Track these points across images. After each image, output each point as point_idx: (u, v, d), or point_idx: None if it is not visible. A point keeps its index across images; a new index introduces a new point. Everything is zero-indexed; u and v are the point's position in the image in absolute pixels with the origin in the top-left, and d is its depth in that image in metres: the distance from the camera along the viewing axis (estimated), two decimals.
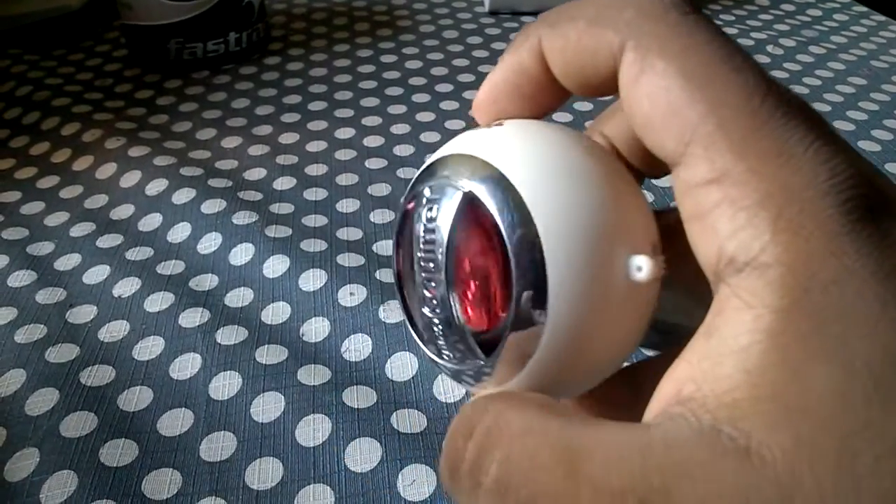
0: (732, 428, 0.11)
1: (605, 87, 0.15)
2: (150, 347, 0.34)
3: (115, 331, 0.35)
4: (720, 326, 0.12)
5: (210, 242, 0.40)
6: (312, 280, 0.37)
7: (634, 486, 0.11)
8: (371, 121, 0.53)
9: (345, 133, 0.51)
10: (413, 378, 0.32)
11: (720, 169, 0.12)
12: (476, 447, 0.13)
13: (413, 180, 0.17)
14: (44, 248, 0.40)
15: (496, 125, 0.16)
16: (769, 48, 0.64)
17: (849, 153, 0.12)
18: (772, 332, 0.11)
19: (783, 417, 0.11)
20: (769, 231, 0.11)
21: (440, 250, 0.16)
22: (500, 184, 0.15)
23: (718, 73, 0.13)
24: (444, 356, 0.17)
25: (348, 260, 0.39)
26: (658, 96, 0.13)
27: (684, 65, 0.13)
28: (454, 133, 0.52)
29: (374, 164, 0.47)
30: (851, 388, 0.11)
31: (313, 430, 0.30)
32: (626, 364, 0.17)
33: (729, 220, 0.12)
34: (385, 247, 0.40)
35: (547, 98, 0.16)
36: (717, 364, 0.12)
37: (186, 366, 0.33)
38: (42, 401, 0.31)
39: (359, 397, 0.31)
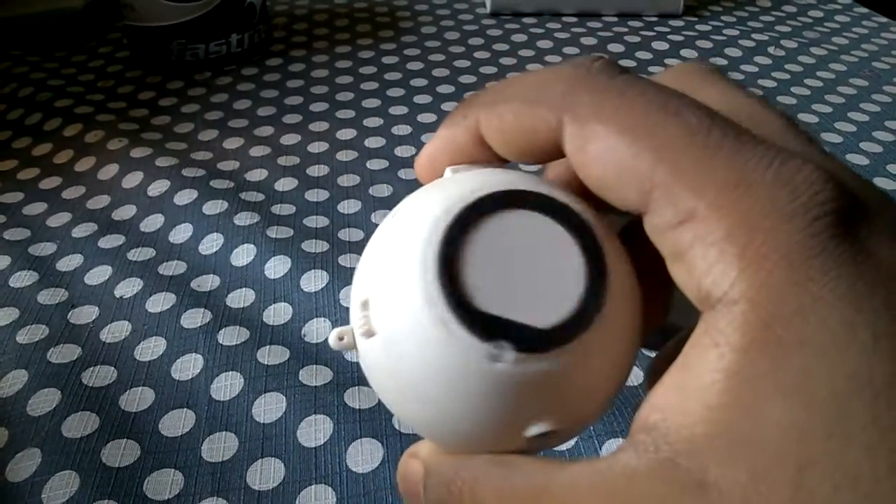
0: (689, 461, 0.11)
1: (549, 157, 0.15)
2: (151, 348, 0.34)
3: (116, 331, 0.35)
4: (692, 360, 0.12)
5: (212, 243, 0.40)
6: (314, 281, 0.37)
7: None
8: (372, 122, 0.53)
9: (346, 134, 0.51)
10: None
11: (685, 210, 0.12)
12: None
13: None
14: (46, 248, 0.40)
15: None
16: (770, 50, 0.64)
17: (816, 162, 0.12)
18: (729, 373, 0.11)
19: (737, 452, 0.11)
20: (736, 267, 0.11)
21: None
22: None
23: (657, 121, 0.13)
24: None
25: (350, 261, 0.39)
26: (606, 159, 0.13)
27: (623, 122, 0.13)
28: None
29: (376, 165, 0.47)
30: (808, 421, 0.11)
31: (315, 431, 0.30)
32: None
33: (702, 258, 0.12)
34: None
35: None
36: (683, 398, 0.12)
37: (188, 366, 0.33)
38: (44, 401, 0.31)
39: (360, 398, 0.31)
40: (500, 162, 0.16)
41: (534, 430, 0.13)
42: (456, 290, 0.13)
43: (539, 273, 0.14)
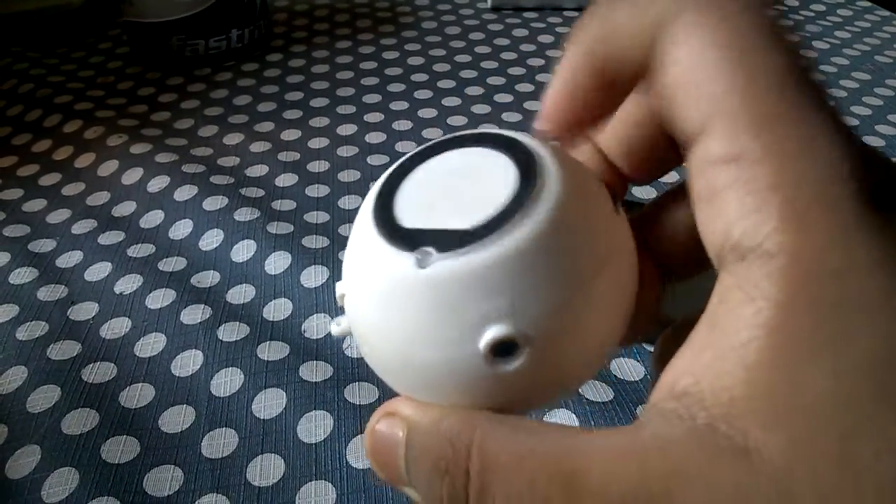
0: (729, 426, 0.11)
1: (641, 69, 0.14)
2: (151, 344, 0.34)
3: (116, 328, 0.35)
4: (722, 317, 0.12)
5: (212, 239, 0.40)
6: (314, 276, 0.37)
7: (636, 496, 0.11)
8: (373, 117, 0.52)
9: (347, 129, 0.51)
10: None
11: (737, 148, 0.12)
12: (476, 491, 0.13)
13: None
14: (45, 245, 0.40)
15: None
16: None
17: (865, 143, 0.12)
18: (770, 329, 0.11)
19: (779, 416, 0.11)
20: (776, 217, 0.11)
21: None
22: None
23: (753, 49, 0.12)
24: None
25: None
26: (690, 65, 0.13)
27: (720, 36, 0.12)
28: (456, 129, 0.51)
29: (376, 160, 0.47)
30: (850, 385, 0.10)
31: (315, 427, 0.30)
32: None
33: (738, 203, 0.12)
34: None
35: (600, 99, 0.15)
36: (717, 358, 0.11)
37: (188, 362, 0.33)
38: (43, 398, 0.31)
39: (360, 393, 0.31)
40: None
41: (488, 334, 0.13)
42: (386, 217, 0.14)
43: (472, 191, 0.14)
